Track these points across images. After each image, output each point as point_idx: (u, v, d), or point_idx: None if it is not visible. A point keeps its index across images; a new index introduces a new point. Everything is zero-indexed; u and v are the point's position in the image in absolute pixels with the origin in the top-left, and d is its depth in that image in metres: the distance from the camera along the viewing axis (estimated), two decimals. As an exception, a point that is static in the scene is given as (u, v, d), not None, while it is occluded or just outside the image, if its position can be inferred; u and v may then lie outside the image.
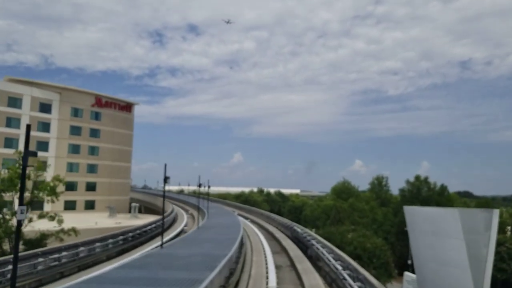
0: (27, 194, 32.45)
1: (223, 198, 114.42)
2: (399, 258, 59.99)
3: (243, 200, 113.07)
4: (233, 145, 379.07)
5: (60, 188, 38.45)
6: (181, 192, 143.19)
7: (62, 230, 35.75)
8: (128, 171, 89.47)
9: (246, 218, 63.66)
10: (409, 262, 36.29)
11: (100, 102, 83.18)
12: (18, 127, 67.94)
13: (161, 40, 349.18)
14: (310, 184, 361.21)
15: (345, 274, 19.09)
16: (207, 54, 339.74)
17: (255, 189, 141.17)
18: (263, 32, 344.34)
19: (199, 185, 48.21)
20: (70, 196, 71.57)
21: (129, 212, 70.77)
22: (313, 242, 30.37)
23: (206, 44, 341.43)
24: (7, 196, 34.20)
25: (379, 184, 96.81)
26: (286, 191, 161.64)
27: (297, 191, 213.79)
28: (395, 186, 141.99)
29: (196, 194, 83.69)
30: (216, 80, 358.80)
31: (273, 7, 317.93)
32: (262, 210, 77.05)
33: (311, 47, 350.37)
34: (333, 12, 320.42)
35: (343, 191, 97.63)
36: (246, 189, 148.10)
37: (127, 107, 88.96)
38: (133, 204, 60.37)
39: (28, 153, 10.18)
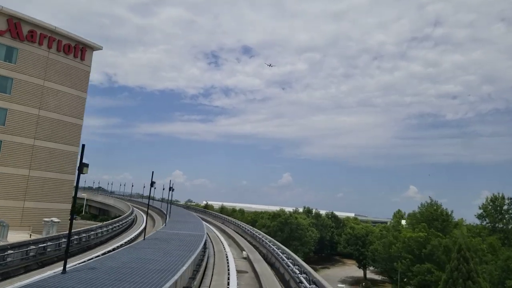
0: None
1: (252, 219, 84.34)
2: None
3: (281, 222, 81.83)
4: (282, 165, 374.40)
5: None
6: (204, 207, 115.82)
7: None
8: (74, 160, 44.42)
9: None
10: None
11: (18, 29, 41.64)
12: None
13: (216, 62, 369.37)
14: (362, 210, 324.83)
15: None
16: (260, 75, 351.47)
17: (301, 209, 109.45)
18: (315, 54, 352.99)
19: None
20: None
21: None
22: None
23: (259, 66, 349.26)
24: None
25: (496, 211, 61.62)
26: (339, 214, 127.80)
27: (351, 214, 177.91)
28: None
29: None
30: (268, 101, 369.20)
31: (327, 29, 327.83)
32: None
33: (365, 69, 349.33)
34: (389, 34, 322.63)
35: (435, 217, 63.40)
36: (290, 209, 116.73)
37: (76, 49, 46.82)
38: (47, 219, 32.28)
39: None
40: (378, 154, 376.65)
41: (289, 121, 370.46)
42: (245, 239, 45.01)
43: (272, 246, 31.41)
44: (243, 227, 53.12)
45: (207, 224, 59.07)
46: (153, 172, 27.14)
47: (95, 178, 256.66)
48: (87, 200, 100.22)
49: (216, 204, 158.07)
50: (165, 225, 41.80)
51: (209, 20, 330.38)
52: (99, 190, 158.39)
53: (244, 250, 33.90)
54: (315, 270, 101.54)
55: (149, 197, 35.60)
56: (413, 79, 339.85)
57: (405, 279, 59.93)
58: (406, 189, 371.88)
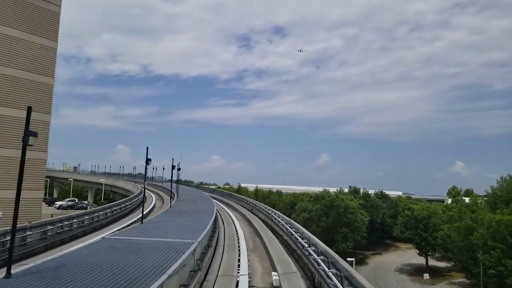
0: None
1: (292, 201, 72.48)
2: None
3: (325, 205, 69.67)
4: (319, 146, 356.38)
5: None
6: (237, 190, 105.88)
7: None
8: (46, 132, 36.85)
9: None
10: None
11: None
12: None
13: (248, 44, 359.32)
14: (404, 188, 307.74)
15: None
16: (293, 55, 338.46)
17: (346, 189, 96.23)
18: (350, 29, 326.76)
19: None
20: None
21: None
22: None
23: (292, 45, 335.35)
24: None
25: None
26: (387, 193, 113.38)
27: (398, 193, 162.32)
28: None
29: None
30: (302, 80, 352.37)
31: (361, 2, 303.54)
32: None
33: (403, 41, 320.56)
34: (429, 2, 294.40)
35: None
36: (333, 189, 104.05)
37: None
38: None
39: None
40: (419, 129, 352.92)
41: (325, 100, 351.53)
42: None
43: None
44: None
45: (228, 211, 48.35)
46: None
47: (137, 165, 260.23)
48: (111, 186, 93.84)
49: (251, 186, 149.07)
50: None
51: (238, 2, 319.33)
52: (138, 176, 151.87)
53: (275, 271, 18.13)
54: (366, 257, 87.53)
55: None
56: (457, 49, 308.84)
57: (491, 275, 46.53)
58: (451, 164, 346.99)
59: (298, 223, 65.61)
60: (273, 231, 32.36)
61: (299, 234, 23.61)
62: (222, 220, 39.14)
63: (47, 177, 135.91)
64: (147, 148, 25.69)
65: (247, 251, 23.79)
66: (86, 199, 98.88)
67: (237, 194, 60.06)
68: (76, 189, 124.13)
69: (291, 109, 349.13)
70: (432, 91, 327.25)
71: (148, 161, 26.10)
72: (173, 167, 28.37)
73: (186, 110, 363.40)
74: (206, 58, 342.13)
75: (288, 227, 27.33)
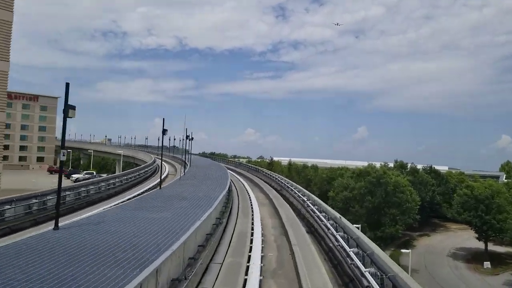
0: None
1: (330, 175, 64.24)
2: None
3: (370, 182, 60.95)
4: (357, 119, 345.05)
5: None
6: (269, 164, 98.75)
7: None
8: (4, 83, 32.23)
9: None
10: None
11: None
12: None
13: (283, 14, 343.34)
14: (448, 163, 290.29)
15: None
16: (331, 25, 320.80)
17: (391, 164, 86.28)
18: None
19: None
20: None
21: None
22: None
23: (330, 13, 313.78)
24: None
25: None
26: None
27: (445, 168, 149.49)
28: None
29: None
30: (340, 51, 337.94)
31: None
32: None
33: (448, 8, 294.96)
34: None
35: None
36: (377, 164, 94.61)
37: None
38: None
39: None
40: (464, 102, 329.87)
41: (364, 72, 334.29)
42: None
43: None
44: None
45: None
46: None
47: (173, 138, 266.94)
48: (133, 158, 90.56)
49: (285, 160, 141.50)
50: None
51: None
52: (173, 149, 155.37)
53: None
54: (412, 238, 77.13)
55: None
56: (508, 15, 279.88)
57: None
58: (496, 139, 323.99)
59: (337, 203, 57.24)
60: (311, 229, 22.02)
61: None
62: (238, 203, 31.06)
63: (74, 148, 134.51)
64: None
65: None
66: (111, 172, 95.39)
67: (265, 170, 52.27)
68: (107, 161, 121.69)
69: (328, 81, 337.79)
70: (479, 61, 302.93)
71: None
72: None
73: (221, 84, 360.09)
74: (241, 30, 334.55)
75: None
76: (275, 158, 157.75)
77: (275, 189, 39.84)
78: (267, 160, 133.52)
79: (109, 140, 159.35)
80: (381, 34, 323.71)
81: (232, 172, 62.08)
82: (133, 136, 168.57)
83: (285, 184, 37.91)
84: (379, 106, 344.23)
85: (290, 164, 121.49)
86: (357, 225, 20.24)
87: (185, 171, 42.13)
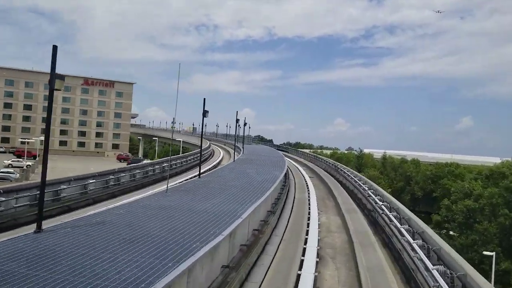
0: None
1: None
2: None
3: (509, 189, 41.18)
4: (459, 108, 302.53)
5: None
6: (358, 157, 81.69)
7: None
8: None
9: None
10: None
11: None
12: None
13: None
14: None
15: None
16: (431, 5, 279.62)
17: None
18: None
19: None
20: None
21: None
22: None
23: None
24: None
25: None
26: None
27: None
28: None
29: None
30: (442, 35, 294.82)
31: None
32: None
33: None
34: None
35: None
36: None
37: None
38: None
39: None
40: None
41: (469, 56, 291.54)
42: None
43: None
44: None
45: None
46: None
47: (260, 128, 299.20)
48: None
49: (377, 152, 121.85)
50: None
51: None
52: (256, 139, 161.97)
53: None
54: None
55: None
56: None
57: None
58: None
59: (455, 215, 40.41)
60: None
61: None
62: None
63: (147, 135, 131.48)
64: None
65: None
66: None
67: (351, 172, 36.09)
68: (175, 148, 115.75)
69: (427, 68, 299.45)
70: None
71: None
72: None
73: (309, 72, 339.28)
74: (331, 16, 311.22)
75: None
76: (366, 150, 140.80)
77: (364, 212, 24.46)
78: (356, 152, 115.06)
79: (195, 128, 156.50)
80: (492, 13, 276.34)
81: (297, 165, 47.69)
82: (218, 124, 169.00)
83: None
84: (488, 93, 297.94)
85: (384, 157, 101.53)
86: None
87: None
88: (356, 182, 27.34)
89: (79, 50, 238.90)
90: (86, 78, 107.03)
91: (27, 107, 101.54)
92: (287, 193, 25.45)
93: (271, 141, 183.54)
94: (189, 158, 42.89)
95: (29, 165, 69.64)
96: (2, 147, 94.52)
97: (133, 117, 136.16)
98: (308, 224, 17.18)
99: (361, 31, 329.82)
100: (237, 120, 40.10)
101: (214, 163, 45.58)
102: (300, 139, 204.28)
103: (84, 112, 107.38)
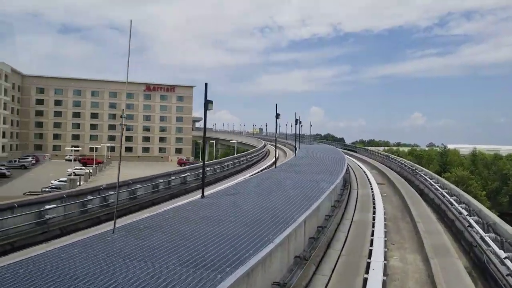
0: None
1: None
2: None
3: None
4: None
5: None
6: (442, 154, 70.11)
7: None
8: None
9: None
10: None
11: None
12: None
13: None
14: None
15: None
16: None
17: None
18: None
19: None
20: None
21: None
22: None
23: None
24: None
25: None
26: None
27: None
28: None
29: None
30: None
31: None
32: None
33: None
34: None
35: None
36: None
37: None
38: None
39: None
40: None
41: None
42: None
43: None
44: None
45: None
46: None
47: (330, 126, 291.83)
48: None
49: (464, 148, 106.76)
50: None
51: None
52: (318, 137, 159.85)
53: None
54: None
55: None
56: None
57: None
58: None
59: None
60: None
61: None
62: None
63: (210, 138, 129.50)
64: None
65: None
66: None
67: (434, 178, 27.32)
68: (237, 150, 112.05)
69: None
70: None
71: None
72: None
73: (379, 66, 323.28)
74: (401, 6, 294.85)
75: None
76: (450, 146, 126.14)
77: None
78: (439, 149, 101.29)
79: (261, 129, 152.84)
80: None
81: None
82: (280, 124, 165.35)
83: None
84: None
85: (474, 154, 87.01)
86: None
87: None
88: (444, 196, 19.05)
89: (153, 58, 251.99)
90: (148, 84, 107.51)
91: (94, 116, 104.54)
92: (344, 213, 18.24)
93: (341, 139, 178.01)
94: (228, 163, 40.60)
95: (90, 172, 69.89)
96: (71, 155, 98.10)
97: (197, 121, 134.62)
98: (367, 273, 10.13)
99: (435, 19, 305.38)
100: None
101: (264, 167, 40.61)
102: (374, 136, 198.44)
103: (147, 118, 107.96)
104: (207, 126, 17.01)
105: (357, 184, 28.39)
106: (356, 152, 68.52)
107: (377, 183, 28.97)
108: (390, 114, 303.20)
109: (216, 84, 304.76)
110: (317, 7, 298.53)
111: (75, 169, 73.81)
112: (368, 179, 31.68)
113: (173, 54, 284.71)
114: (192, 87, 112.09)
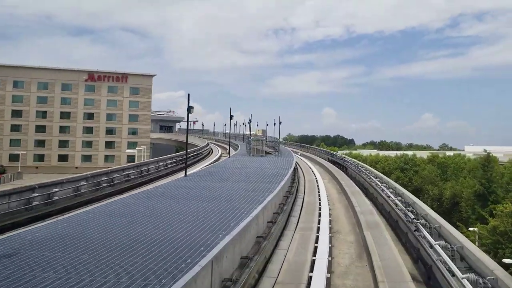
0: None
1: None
2: None
3: None
4: None
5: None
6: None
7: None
8: None
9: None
10: None
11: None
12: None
13: None
14: None
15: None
16: None
17: None
18: None
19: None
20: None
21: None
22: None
23: None
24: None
25: None
26: None
27: None
28: None
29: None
30: None
31: None
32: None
33: None
34: None
35: None
36: None
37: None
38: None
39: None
40: None
41: None
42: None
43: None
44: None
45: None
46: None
47: (342, 127, 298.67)
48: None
49: (477, 150, 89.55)
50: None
51: None
52: (336, 139, 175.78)
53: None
54: None
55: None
56: None
57: None
58: None
59: None
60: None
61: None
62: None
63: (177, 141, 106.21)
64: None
65: None
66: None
67: None
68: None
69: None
70: None
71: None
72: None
73: (392, 67, 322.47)
74: (414, 7, 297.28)
75: None
76: (467, 148, 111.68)
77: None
78: (472, 155, 79.61)
79: (263, 131, 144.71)
80: None
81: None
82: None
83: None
84: None
85: (488, 160, 62.40)
86: None
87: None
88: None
89: (170, 61, 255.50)
90: (91, 71, 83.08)
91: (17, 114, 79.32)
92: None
93: (352, 141, 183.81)
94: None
95: None
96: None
97: (178, 122, 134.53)
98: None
99: (447, 20, 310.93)
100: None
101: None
102: (386, 137, 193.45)
103: (90, 116, 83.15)
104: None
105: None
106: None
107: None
108: (402, 115, 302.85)
109: (231, 86, 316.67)
110: (332, 8, 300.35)
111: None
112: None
113: (189, 57, 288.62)
114: (151, 76, 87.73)
